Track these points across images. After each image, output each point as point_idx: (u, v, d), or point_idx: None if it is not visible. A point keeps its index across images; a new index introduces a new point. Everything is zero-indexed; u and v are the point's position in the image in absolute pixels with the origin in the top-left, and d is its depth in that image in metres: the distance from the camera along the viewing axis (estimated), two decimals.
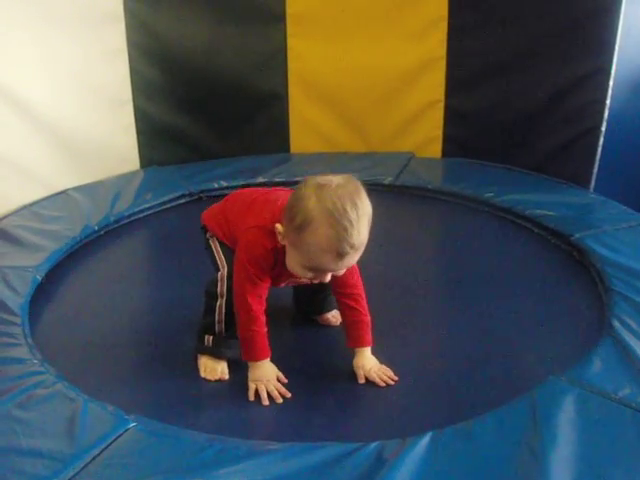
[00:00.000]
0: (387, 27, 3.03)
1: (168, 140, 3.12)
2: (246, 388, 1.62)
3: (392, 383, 1.65)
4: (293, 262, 1.54)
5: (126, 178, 2.93)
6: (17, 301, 1.93)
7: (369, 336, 1.71)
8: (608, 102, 2.72)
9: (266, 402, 1.58)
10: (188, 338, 1.77)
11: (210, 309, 1.69)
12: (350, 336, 1.72)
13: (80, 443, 1.35)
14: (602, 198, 2.65)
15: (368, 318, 1.71)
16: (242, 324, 1.62)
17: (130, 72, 2.96)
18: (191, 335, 1.76)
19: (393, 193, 2.87)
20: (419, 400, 1.62)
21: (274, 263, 1.60)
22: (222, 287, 1.67)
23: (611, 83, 2.70)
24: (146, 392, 1.64)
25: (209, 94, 3.10)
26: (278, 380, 1.64)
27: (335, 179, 1.48)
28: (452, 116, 3.14)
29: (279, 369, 1.66)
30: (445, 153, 3.19)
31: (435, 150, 3.18)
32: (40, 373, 1.59)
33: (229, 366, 1.70)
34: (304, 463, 1.31)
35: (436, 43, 3.04)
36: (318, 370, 1.73)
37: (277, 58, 3.06)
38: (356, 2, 3.03)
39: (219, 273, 1.69)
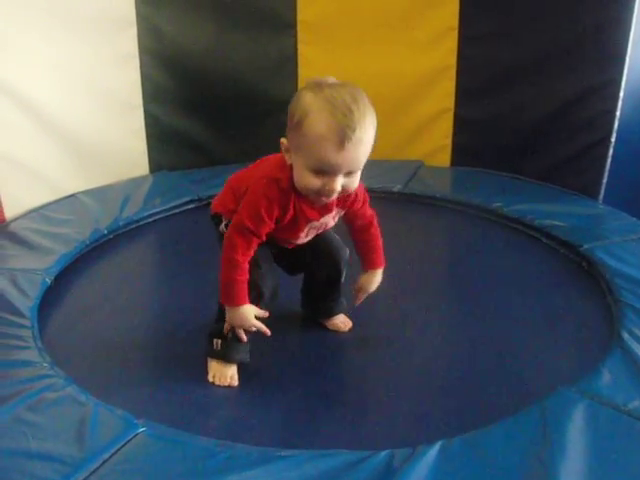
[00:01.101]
0: (397, 35, 3.04)
1: (178, 145, 3.13)
2: (256, 393, 1.62)
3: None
4: (299, 172, 1.51)
5: (135, 182, 2.94)
6: (26, 304, 1.93)
7: (381, 258, 1.79)
8: (618, 113, 2.72)
9: (244, 339, 1.64)
10: (197, 342, 1.77)
11: (222, 314, 1.69)
12: (366, 260, 1.79)
13: (90, 447, 1.35)
14: (611, 209, 2.65)
15: (380, 242, 1.78)
16: (224, 270, 1.61)
17: (141, 77, 2.97)
18: (200, 339, 1.75)
19: (402, 201, 2.87)
20: (428, 408, 1.62)
21: (282, 212, 1.58)
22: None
23: (621, 94, 2.70)
24: (155, 396, 1.64)
25: (219, 100, 3.11)
26: (257, 318, 1.64)
27: (334, 79, 1.48)
28: (461, 125, 3.14)
29: (287, 374, 1.66)
30: (454, 162, 3.19)
31: (444, 159, 3.18)
32: (50, 376, 1.59)
33: (239, 370, 1.70)
34: (314, 470, 1.31)
35: (446, 52, 3.05)
36: (327, 377, 1.73)
37: (288, 65, 3.07)
38: (367, 10, 3.04)
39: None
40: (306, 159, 1.48)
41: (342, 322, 1.93)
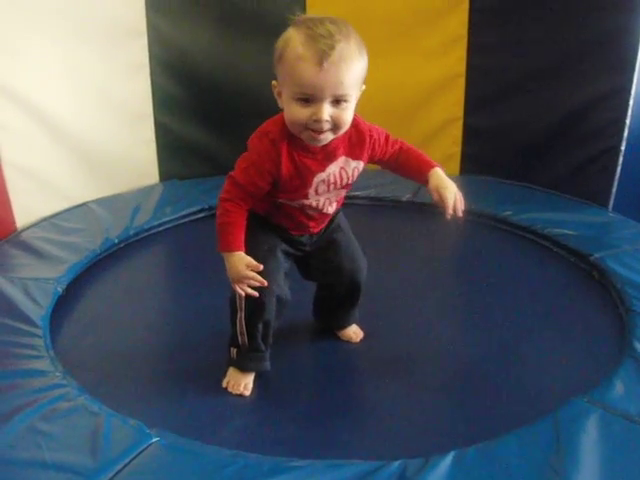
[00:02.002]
0: (407, 44, 3.05)
1: (188, 154, 3.14)
2: (268, 403, 1.63)
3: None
4: (287, 108, 1.48)
5: (146, 191, 2.95)
6: (38, 313, 1.94)
7: (432, 161, 1.66)
8: (628, 121, 2.71)
9: (255, 294, 1.57)
10: (209, 351, 1.79)
11: (233, 321, 1.69)
12: (418, 171, 1.66)
13: (103, 457, 1.36)
14: (621, 217, 2.65)
15: (420, 152, 1.69)
16: (217, 216, 1.60)
17: (151, 86, 2.98)
18: (212, 349, 1.78)
19: (411, 210, 2.87)
20: (441, 418, 1.63)
21: (275, 166, 1.53)
22: (240, 301, 1.66)
23: (631, 102, 2.69)
24: (168, 406, 1.64)
25: (229, 109, 3.11)
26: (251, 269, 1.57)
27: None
28: (471, 134, 3.14)
29: (299, 384, 1.66)
30: (463, 170, 3.19)
31: (453, 167, 3.18)
32: (62, 386, 1.60)
33: (255, 379, 1.70)
34: None
35: (455, 61, 3.05)
36: (339, 386, 1.73)
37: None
38: (376, 20, 3.04)
39: (231, 292, 1.67)
40: (290, 87, 1.46)
41: (354, 332, 1.92)
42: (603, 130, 2.78)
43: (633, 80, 2.66)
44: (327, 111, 1.45)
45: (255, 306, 1.64)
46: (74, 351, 1.86)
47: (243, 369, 1.70)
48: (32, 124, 2.59)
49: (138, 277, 2.37)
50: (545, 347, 1.91)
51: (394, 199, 2.87)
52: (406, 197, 2.91)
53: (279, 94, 1.52)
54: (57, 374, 1.65)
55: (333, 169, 1.60)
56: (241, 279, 1.57)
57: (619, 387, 1.60)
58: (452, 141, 3.17)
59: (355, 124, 1.59)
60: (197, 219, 2.78)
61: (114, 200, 2.84)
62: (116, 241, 2.49)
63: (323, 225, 1.74)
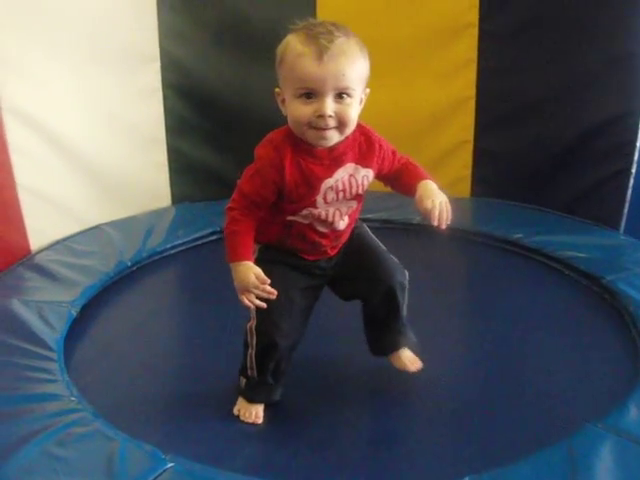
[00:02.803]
0: (417, 68, 3.08)
1: (200, 177, 3.16)
2: (283, 429, 1.63)
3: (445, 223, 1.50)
4: (290, 108, 1.48)
5: (158, 214, 2.97)
6: (53, 336, 1.95)
7: (426, 174, 1.59)
8: (638, 144, 2.72)
9: (263, 305, 1.52)
10: (223, 377, 1.79)
11: (244, 352, 1.69)
12: (407, 184, 1.59)
13: None
14: (633, 240, 2.64)
15: (420, 168, 1.63)
16: (224, 226, 1.57)
17: (164, 111, 3.01)
18: (226, 374, 1.77)
19: (422, 232, 2.86)
20: (455, 444, 1.62)
21: (279, 173, 1.51)
22: (251, 339, 1.65)
23: None
24: (183, 431, 1.64)
25: (241, 133, 3.13)
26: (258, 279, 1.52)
27: None
28: (481, 156, 3.15)
29: (312, 411, 1.66)
30: (474, 193, 3.20)
31: (464, 190, 3.19)
32: (77, 411, 1.61)
33: (266, 408, 1.70)
34: None
35: (465, 84, 3.07)
36: (352, 414, 1.73)
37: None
38: (386, 43, 3.06)
39: (248, 324, 1.66)
40: (291, 85, 1.45)
41: (409, 360, 1.79)
42: (614, 153, 2.79)
43: None
44: (330, 106, 1.43)
45: (267, 347, 1.63)
46: (89, 375, 1.86)
47: (250, 400, 1.69)
48: (46, 147, 2.62)
49: (151, 300, 2.38)
50: (557, 371, 1.91)
51: (404, 222, 2.88)
52: (417, 220, 2.91)
53: (282, 101, 1.52)
54: (72, 398, 1.66)
55: (341, 175, 1.55)
56: (248, 289, 1.51)
57: (633, 412, 1.59)
58: (462, 164, 3.18)
59: (365, 132, 1.58)
60: (209, 241, 2.79)
61: (127, 223, 2.86)
62: (129, 264, 2.50)
63: (339, 246, 1.69)
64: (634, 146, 2.72)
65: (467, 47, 3.03)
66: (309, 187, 1.53)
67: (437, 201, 1.49)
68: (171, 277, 2.64)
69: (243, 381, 1.71)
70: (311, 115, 1.44)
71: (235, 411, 1.70)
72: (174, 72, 2.99)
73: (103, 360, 1.97)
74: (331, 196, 1.55)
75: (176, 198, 3.13)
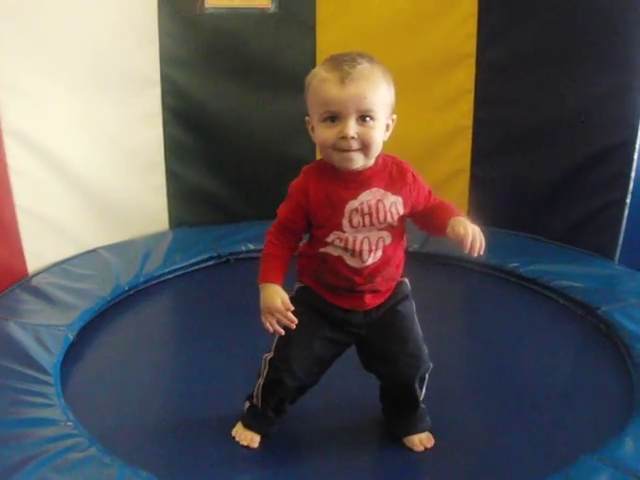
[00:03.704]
0: (415, 97, 3.10)
1: (198, 202, 3.18)
2: (281, 458, 1.63)
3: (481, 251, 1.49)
4: (317, 134, 1.50)
5: (156, 238, 2.98)
6: (49, 360, 1.95)
7: (457, 211, 1.57)
8: (633, 175, 2.75)
9: (281, 332, 1.53)
10: (219, 403, 1.79)
11: (255, 381, 1.70)
12: (439, 221, 1.56)
13: None
14: (628, 270, 2.66)
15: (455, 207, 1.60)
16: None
17: (164, 135, 3.03)
18: (222, 400, 1.78)
19: (418, 261, 2.87)
20: (451, 475, 1.62)
21: (304, 196, 1.52)
22: (263, 369, 1.67)
23: (636, 156, 2.73)
24: (179, 457, 1.64)
25: (239, 158, 3.16)
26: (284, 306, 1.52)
27: None
28: (477, 185, 3.18)
29: (311, 442, 1.65)
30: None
31: None
32: (73, 436, 1.61)
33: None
34: None
35: (462, 114, 3.11)
36: (351, 443, 1.72)
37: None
38: None
39: (265, 355, 1.67)
40: (316, 110, 1.48)
41: (420, 440, 1.70)
42: (609, 183, 2.81)
43: (638, 134, 2.70)
44: (353, 128, 1.45)
45: (274, 384, 1.64)
46: (85, 399, 1.86)
47: (246, 426, 1.71)
48: (46, 170, 2.64)
49: (148, 324, 2.38)
50: (552, 402, 1.91)
51: None
52: (413, 247, 2.92)
53: (312, 129, 1.54)
54: (68, 423, 1.66)
55: (367, 197, 1.53)
56: (271, 312, 1.52)
57: (629, 445, 1.60)
58: (459, 192, 3.20)
59: (398, 162, 1.59)
60: (207, 267, 2.80)
61: (124, 246, 2.86)
62: (126, 288, 2.50)
63: (374, 295, 1.62)
64: (629, 176, 2.75)
65: (464, 77, 3.08)
66: (333, 209, 1.53)
67: (469, 228, 1.49)
68: (168, 302, 2.64)
69: (246, 405, 1.72)
70: (335, 137, 1.46)
71: (233, 432, 1.71)
72: (174, 97, 3.02)
73: (100, 384, 1.96)
74: (357, 219, 1.54)
75: (174, 222, 3.14)
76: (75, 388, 1.92)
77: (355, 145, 1.47)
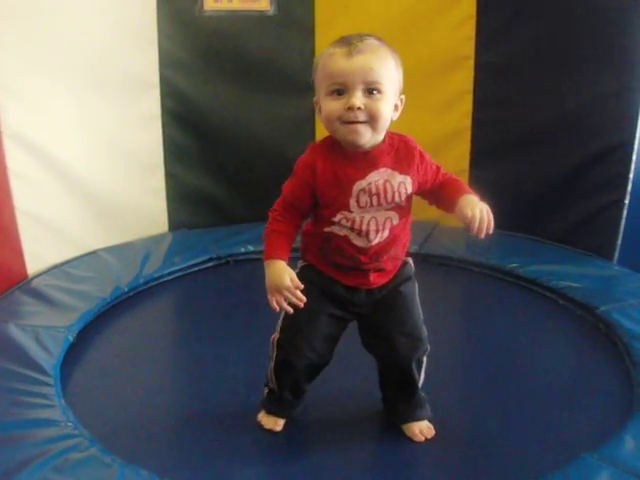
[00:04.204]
0: (414, 99, 3.07)
1: (197, 204, 3.19)
2: (278, 463, 1.63)
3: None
4: (323, 108, 1.49)
5: (155, 240, 2.98)
6: (50, 362, 1.96)
7: (469, 189, 1.58)
8: (631, 176, 2.76)
9: (290, 310, 1.49)
10: (220, 401, 1.80)
11: (268, 365, 1.70)
12: (448, 198, 1.56)
13: None
14: (626, 270, 2.66)
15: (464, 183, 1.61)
16: (265, 226, 1.58)
17: (163, 137, 3.04)
18: (222, 397, 1.79)
19: (417, 262, 2.84)
20: (449, 474, 1.62)
21: (312, 173, 1.51)
22: (272, 352, 1.67)
23: (634, 157, 2.74)
24: (180, 456, 1.64)
25: (238, 160, 3.17)
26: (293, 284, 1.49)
27: None
28: (476, 186, 3.15)
29: (316, 440, 1.66)
30: None
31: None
32: (74, 436, 1.61)
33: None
34: None
35: (461, 115, 3.12)
36: (354, 440, 1.72)
37: (305, 126, 3.11)
38: None
39: (272, 336, 1.67)
40: (323, 85, 1.47)
41: (420, 430, 1.70)
42: (607, 184, 2.82)
43: (636, 135, 2.71)
44: (359, 98, 1.44)
45: (284, 365, 1.65)
46: (85, 400, 1.86)
47: (269, 412, 1.71)
48: (46, 173, 2.65)
49: (148, 326, 2.38)
50: (550, 400, 1.91)
51: None
52: (412, 249, 2.92)
53: (319, 109, 1.53)
54: (69, 424, 1.66)
55: (375, 178, 1.52)
56: (280, 290, 1.48)
57: (629, 443, 1.60)
58: None
59: (405, 140, 1.58)
60: (206, 268, 2.81)
61: (124, 248, 2.87)
62: (126, 289, 2.51)
63: (379, 274, 1.61)
64: (627, 177, 2.76)
65: (463, 79, 3.09)
66: (341, 188, 1.52)
67: (477, 209, 1.48)
68: (168, 303, 2.64)
69: (265, 391, 1.73)
70: (341, 109, 1.45)
71: (258, 418, 1.72)
72: (173, 99, 3.03)
73: (99, 385, 1.97)
74: (364, 199, 1.52)
75: (173, 224, 3.15)
76: (75, 389, 1.92)
77: (362, 117, 1.45)
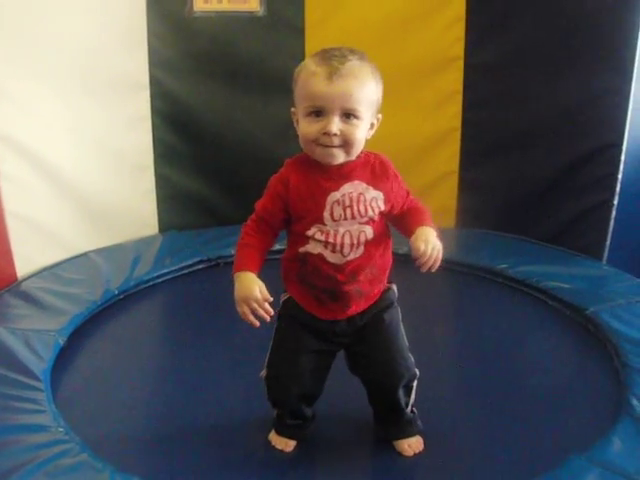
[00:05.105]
0: (403, 100, 3.11)
1: (187, 206, 3.18)
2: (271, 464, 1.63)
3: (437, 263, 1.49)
4: (300, 127, 1.49)
5: (145, 242, 2.98)
6: (40, 366, 1.95)
7: (430, 220, 1.58)
8: (620, 176, 2.77)
9: (256, 324, 1.48)
10: (211, 406, 1.80)
11: None
12: (409, 226, 1.56)
13: None
14: (615, 270, 2.67)
15: (427, 212, 1.61)
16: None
17: (152, 139, 3.04)
18: (213, 402, 1.80)
19: (407, 263, 2.87)
20: (440, 475, 1.63)
21: (284, 186, 1.52)
22: (264, 386, 1.68)
23: (623, 157, 2.75)
24: (171, 462, 1.64)
25: (228, 162, 3.17)
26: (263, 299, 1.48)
27: None
28: (466, 187, 3.20)
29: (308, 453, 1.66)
30: (459, 224, 3.24)
31: (449, 220, 3.23)
32: (64, 442, 1.61)
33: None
34: None
35: (451, 116, 3.13)
36: (347, 452, 1.73)
37: (295, 128, 3.12)
38: None
39: (261, 372, 1.67)
40: (302, 104, 1.47)
41: (408, 445, 1.69)
42: (596, 184, 2.84)
43: (624, 136, 2.72)
44: (336, 124, 1.44)
45: (277, 400, 1.67)
46: (76, 405, 1.85)
47: (278, 433, 1.71)
48: (35, 175, 2.64)
49: (139, 329, 2.38)
50: (539, 402, 1.91)
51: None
52: (402, 250, 2.92)
53: (296, 121, 1.53)
54: (59, 429, 1.65)
55: (349, 189, 1.52)
56: (247, 301, 1.47)
57: (617, 445, 1.61)
58: (448, 194, 3.22)
59: (381, 159, 1.58)
60: (196, 270, 2.81)
61: (114, 250, 2.86)
62: (116, 292, 2.50)
63: (358, 300, 1.60)
64: (616, 178, 2.77)
65: (453, 79, 3.10)
66: (314, 200, 1.52)
67: (430, 247, 1.49)
68: (158, 305, 2.64)
69: (275, 411, 1.72)
70: (318, 132, 1.46)
71: (269, 437, 1.71)
72: (163, 101, 3.02)
73: (90, 390, 1.96)
74: (338, 212, 1.52)
75: (163, 226, 3.15)
76: (66, 394, 1.91)
77: (337, 142, 1.46)
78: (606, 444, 1.61)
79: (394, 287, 1.70)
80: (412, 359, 1.67)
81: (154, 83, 2.97)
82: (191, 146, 3.13)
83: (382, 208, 1.56)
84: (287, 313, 1.62)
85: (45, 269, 2.63)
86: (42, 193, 2.68)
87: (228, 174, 3.18)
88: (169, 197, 3.14)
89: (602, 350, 2.16)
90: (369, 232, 1.55)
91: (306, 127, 1.47)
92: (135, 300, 2.54)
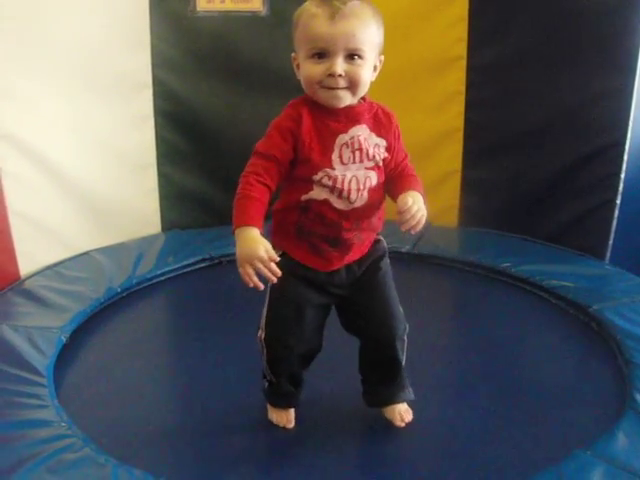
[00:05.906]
0: (406, 100, 3.12)
1: (190, 204, 3.19)
2: (276, 454, 1.63)
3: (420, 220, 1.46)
4: (303, 70, 1.47)
5: (148, 241, 2.98)
6: (43, 362, 1.95)
7: (420, 186, 1.54)
8: (623, 175, 2.77)
9: (260, 286, 1.39)
10: (213, 400, 1.80)
11: (261, 359, 1.69)
12: (399, 186, 1.54)
13: None
14: (618, 269, 2.67)
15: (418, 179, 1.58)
16: (236, 193, 1.49)
17: (155, 138, 3.04)
18: (216, 397, 1.80)
19: (410, 262, 2.89)
20: (443, 469, 1.62)
21: (296, 124, 1.48)
22: (262, 349, 1.66)
23: (625, 157, 2.75)
24: (174, 456, 1.64)
25: (231, 161, 3.13)
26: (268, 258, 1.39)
27: None
28: (469, 186, 3.20)
29: (310, 440, 1.66)
30: (462, 223, 3.24)
31: (452, 220, 3.23)
32: (68, 436, 1.61)
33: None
34: None
35: (454, 116, 3.13)
36: (346, 440, 1.73)
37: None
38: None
39: (257, 334, 1.66)
40: (304, 46, 1.45)
41: (399, 413, 1.70)
42: (599, 184, 2.83)
43: (627, 135, 2.72)
44: (341, 65, 1.42)
45: (276, 361, 1.65)
46: (79, 400, 1.86)
47: (272, 404, 1.72)
48: (38, 173, 2.64)
49: (141, 326, 2.37)
50: (544, 399, 1.92)
51: (393, 250, 2.86)
52: (405, 248, 2.94)
53: (297, 66, 1.50)
54: (62, 424, 1.65)
55: (357, 132, 1.50)
56: (252, 261, 1.37)
57: (622, 440, 1.61)
58: (450, 194, 3.22)
59: (383, 107, 1.57)
60: (199, 269, 2.81)
61: (117, 249, 2.86)
62: (119, 290, 2.50)
63: (362, 253, 1.60)
64: (619, 177, 2.77)
65: (455, 79, 3.10)
66: (323, 143, 1.49)
67: (416, 206, 1.46)
68: (161, 304, 2.64)
69: (265, 384, 1.72)
70: (322, 74, 1.44)
71: (269, 417, 1.72)
72: (166, 100, 3.02)
73: (93, 385, 1.96)
74: (347, 155, 1.50)
75: (166, 225, 3.15)
76: (69, 389, 1.92)
77: (342, 83, 1.44)
78: (610, 439, 1.61)
79: (382, 239, 1.68)
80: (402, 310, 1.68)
81: (157, 82, 2.98)
82: (194, 145, 3.13)
83: (382, 154, 1.55)
84: (285, 268, 1.46)
85: (48, 267, 2.64)
86: (45, 192, 2.68)
87: (230, 173, 3.13)
88: (172, 196, 3.14)
89: (606, 347, 2.16)
90: (374, 178, 1.54)
91: (309, 69, 1.45)
92: (137, 298, 2.54)
